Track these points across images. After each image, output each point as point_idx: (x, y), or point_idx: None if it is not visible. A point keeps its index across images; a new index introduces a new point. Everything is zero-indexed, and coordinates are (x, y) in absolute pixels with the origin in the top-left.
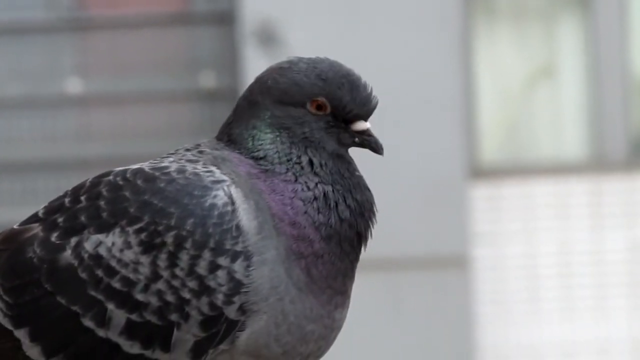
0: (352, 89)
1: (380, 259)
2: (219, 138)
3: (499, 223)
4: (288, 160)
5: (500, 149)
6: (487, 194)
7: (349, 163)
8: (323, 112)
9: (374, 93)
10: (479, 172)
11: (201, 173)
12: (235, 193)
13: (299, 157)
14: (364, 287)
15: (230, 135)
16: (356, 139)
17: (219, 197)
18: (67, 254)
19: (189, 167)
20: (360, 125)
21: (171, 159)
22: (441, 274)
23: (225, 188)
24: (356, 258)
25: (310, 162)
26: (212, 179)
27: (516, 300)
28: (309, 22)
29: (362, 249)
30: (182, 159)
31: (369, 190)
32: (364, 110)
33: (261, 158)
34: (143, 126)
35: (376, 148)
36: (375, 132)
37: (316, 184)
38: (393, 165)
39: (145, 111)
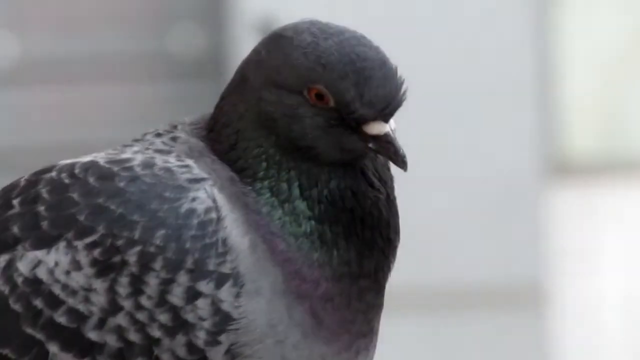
0: (359, 82)
1: (428, 292)
2: (209, 119)
3: (592, 239)
4: (274, 177)
5: (595, 139)
6: (577, 198)
7: (360, 177)
8: (325, 103)
9: (399, 87)
10: (566, 169)
11: (174, 168)
12: (220, 197)
13: (288, 171)
14: (407, 328)
15: (215, 120)
16: (371, 145)
17: (199, 200)
18: None
19: (159, 160)
20: (375, 127)
21: (135, 149)
22: (511, 313)
23: (208, 189)
24: (381, 289)
25: (300, 185)
26: (189, 176)
27: (613, 347)
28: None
29: (389, 274)
30: (149, 149)
31: (392, 212)
32: (373, 111)
33: (242, 170)
34: (98, 103)
35: (396, 160)
36: (401, 134)
37: (308, 219)
38: (447, 164)
39: (101, 83)
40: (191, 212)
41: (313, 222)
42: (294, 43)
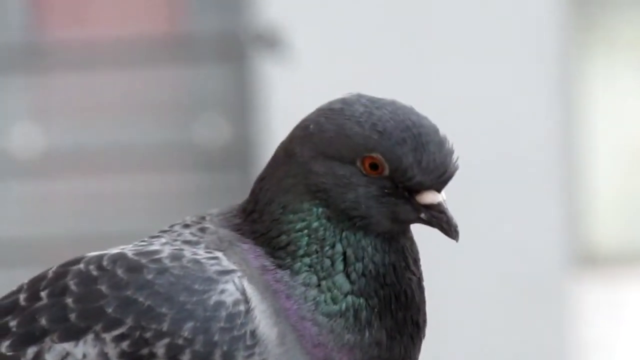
0: (417, 147)
1: None
2: (243, 205)
3: (618, 332)
4: (316, 252)
5: (621, 229)
6: (602, 291)
7: (401, 253)
8: (379, 173)
9: (453, 154)
10: (591, 260)
11: (203, 260)
12: (250, 288)
13: (332, 246)
14: None
15: (255, 200)
16: (422, 215)
17: (228, 292)
18: None
19: (187, 252)
20: (429, 197)
21: (163, 240)
22: None
23: (236, 281)
24: None
25: (344, 258)
26: (217, 268)
27: None
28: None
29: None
30: (177, 240)
31: (422, 298)
32: (431, 178)
33: (282, 248)
34: (124, 194)
35: (448, 230)
36: (451, 207)
37: (345, 295)
38: (472, 255)
39: (126, 174)
40: (220, 304)
41: (350, 298)
42: (345, 113)
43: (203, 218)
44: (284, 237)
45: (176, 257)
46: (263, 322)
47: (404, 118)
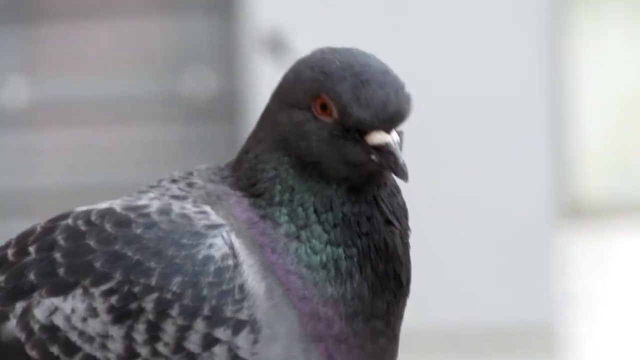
0: (356, 84)
1: (439, 335)
2: (231, 161)
3: (605, 283)
4: (290, 201)
5: (608, 181)
6: (589, 241)
7: (374, 204)
8: (328, 115)
9: (398, 93)
10: (578, 211)
11: (191, 214)
12: (237, 243)
13: (300, 195)
14: None
15: (239, 159)
16: (373, 157)
17: (216, 246)
18: (11, 324)
19: (175, 207)
20: (377, 137)
21: (152, 195)
22: (523, 356)
23: (225, 235)
24: (394, 335)
25: (315, 209)
26: (206, 222)
27: None
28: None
29: (400, 321)
30: (165, 194)
31: (406, 254)
32: (370, 114)
33: (259, 196)
34: (110, 145)
35: (396, 170)
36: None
37: (325, 245)
38: (461, 208)
39: (113, 125)
40: (208, 258)
41: (329, 248)
42: (304, 61)
43: (190, 173)
44: (259, 185)
45: (164, 211)
46: (251, 276)
47: (352, 60)
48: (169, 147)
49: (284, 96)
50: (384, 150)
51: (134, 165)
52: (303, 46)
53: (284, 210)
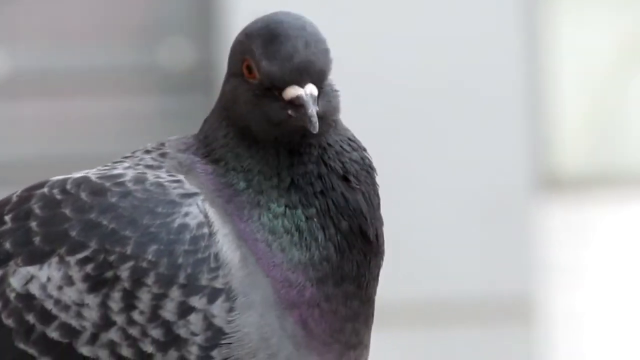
0: (267, 39)
1: (416, 306)
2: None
3: (582, 254)
4: (242, 167)
5: (586, 153)
6: (567, 213)
7: (321, 163)
8: (253, 76)
9: (309, 46)
10: (556, 183)
11: (166, 183)
12: (212, 211)
13: (246, 161)
14: (395, 342)
15: (200, 128)
16: (290, 112)
17: (192, 215)
18: None
19: (150, 176)
20: (290, 91)
21: (126, 165)
22: (500, 327)
23: (200, 204)
24: (368, 298)
25: (263, 174)
26: (180, 191)
27: None
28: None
29: (374, 283)
30: (139, 164)
31: (372, 213)
32: (279, 68)
33: (217, 162)
34: (88, 116)
35: (305, 121)
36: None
37: (284, 208)
38: (437, 178)
39: (91, 96)
40: (183, 227)
41: (288, 212)
42: (245, 29)
43: (162, 144)
44: (215, 152)
45: (139, 180)
46: (226, 245)
47: (271, 20)
48: (146, 118)
49: (228, 66)
50: (296, 104)
51: (111, 136)
52: None
53: (241, 176)
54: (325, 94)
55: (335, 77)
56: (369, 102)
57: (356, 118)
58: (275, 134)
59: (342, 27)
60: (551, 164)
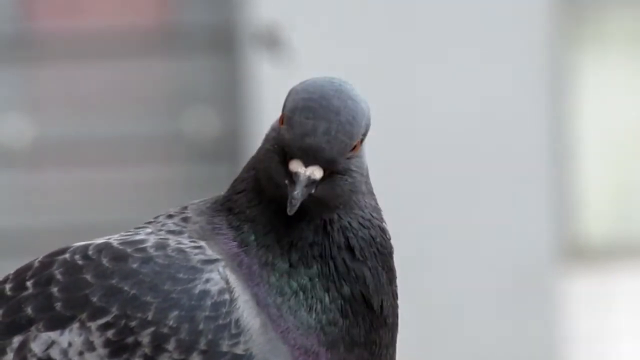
0: (297, 108)
1: None
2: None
3: (607, 324)
4: (254, 218)
5: (610, 222)
6: (592, 282)
7: (323, 233)
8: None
9: (330, 136)
10: (581, 253)
11: (187, 249)
12: (232, 278)
13: (257, 212)
14: None
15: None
16: (286, 181)
17: (213, 281)
18: (8, 358)
19: (172, 241)
20: (293, 164)
21: (148, 230)
22: None
23: (221, 270)
24: None
25: (264, 227)
26: (202, 257)
27: None
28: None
29: (388, 351)
30: (162, 230)
31: (381, 285)
32: (292, 143)
33: (230, 210)
34: (113, 185)
35: (288, 200)
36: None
37: (289, 266)
38: (461, 247)
39: (115, 165)
40: (205, 293)
41: (292, 270)
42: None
43: (185, 208)
44: (232, 199)
45: (161, 246)
46: (247, 311)
47: (321, 89)
48: (171, 187)
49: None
50: (292, 179)
51: (136, 205)
52: (294, 40)
53: (249, 226)
54: (333, 179)
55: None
56: (388, 160)
57: (378, 176)
58: (274, 193)
59: (373, 85)
60: (575, 234)
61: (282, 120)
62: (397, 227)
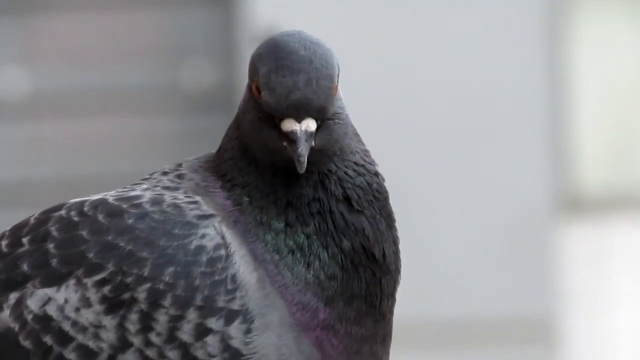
0: (270, 70)
1: (438, 327)
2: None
3: (605, 278)
4: (245, 182)
5: (608, 173)
6: (589, 233)
7: (320, 187)
8: (260, 97)
9: (310, 83)
10: (578, 204)
11: (183, 205)
12: (229, 233)
13: (248, 177)
14: None
15: (220, 145)
16: (284, 144)
17: (209, 237)
18: (5, 315)
19: (167, 197)
20: (286, 124)
21: (144, 186)
22: (520, 349)
23: (216, 225)
24: (382, 317)
25: (261, 190)
26: (197, 212)
27: None
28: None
29: (388, 301)
30: (157, 186)
31: (380, 233)
32: (276, 100)
33: (223, 177)
34: (109, 137)
35: (294, 159)
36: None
37: (285, 225)
38: (458, 199)
39: (111, 117)
40: (200, 249)
41: (288, 229)
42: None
43: (180, 165)
44: (222, 166)
45: (156, 201)
46: (243, 266)
47: (282, 46)
48: (167, 139)
49: (248, 76)
50: (290, 138)
51: (131, 156)
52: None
53: (243, 191)
54: (327, 126)
55: (361, 94)
56: (388, 121)
57: (377, 137)
58: (272, 159)
59: (365, 45)
60: (572, 185)
61: (255, 89)
62: (394, 180)
